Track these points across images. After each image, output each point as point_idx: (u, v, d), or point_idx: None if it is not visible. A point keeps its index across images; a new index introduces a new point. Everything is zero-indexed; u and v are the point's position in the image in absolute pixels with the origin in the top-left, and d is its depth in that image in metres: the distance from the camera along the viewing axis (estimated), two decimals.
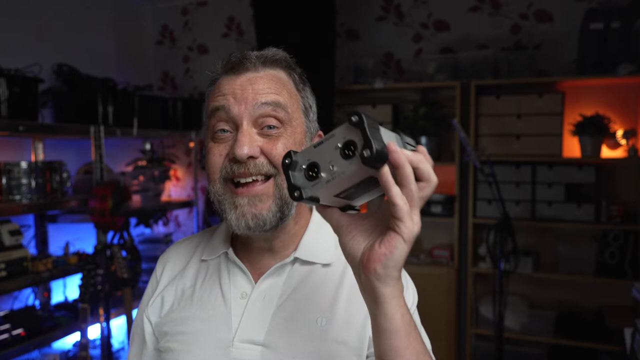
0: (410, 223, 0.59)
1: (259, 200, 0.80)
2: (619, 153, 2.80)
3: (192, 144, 3.50)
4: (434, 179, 0.61)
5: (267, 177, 0.81)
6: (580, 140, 2.76)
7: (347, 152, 0.56)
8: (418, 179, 0.60)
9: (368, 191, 0.62)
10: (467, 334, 2.95)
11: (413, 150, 0.63)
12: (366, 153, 0.53)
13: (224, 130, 0.82)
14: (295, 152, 0.61)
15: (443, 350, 2.91)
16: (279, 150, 0.80)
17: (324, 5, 2.80)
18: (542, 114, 2.81)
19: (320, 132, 0.92)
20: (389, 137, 0.59)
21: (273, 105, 0.81)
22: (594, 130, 2.69)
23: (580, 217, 2.74)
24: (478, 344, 2.97)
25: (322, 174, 0.58)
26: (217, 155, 0.82)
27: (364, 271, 0.63)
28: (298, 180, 0.61)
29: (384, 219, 0.63)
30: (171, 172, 3.45)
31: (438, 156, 3.06)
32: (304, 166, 0.60)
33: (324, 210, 0.66)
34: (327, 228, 0.91)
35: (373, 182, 0.59)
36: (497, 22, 3.03)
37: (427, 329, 0.88)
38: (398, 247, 0.60)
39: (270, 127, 0.81)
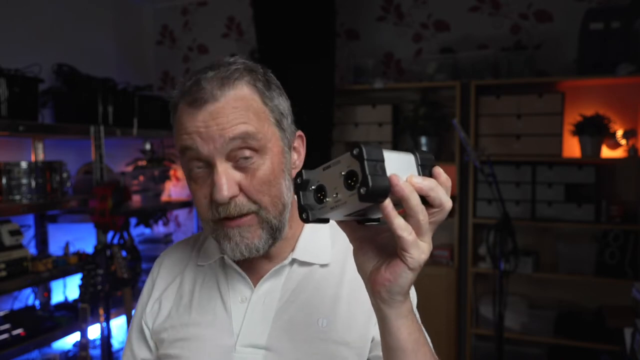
0: (417, 253, 0.57)
1: (248, 231, 0.79)
2: (619, 153, 2.80)
3: None
4: (446, 205, 0.58)
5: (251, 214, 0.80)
6: (580, 140, 2.76)
7: (349, 182, 0.55)
8: (429, 205, 0.58)
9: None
10: (467, 334, 2.95)
11: (430, 173, 0.61)
12: (362, 190, 0.52)
13: (199, 167, 0.79)
14: (305, 172, 0.60)
15: (443, 350, 2.91)
16: (256, 186, 0.78)
17: (324, 5, 2.80)
18: (542, 114, 2.81)
19: (300, 133, 0.89)
20: (397, 163, 0.57)
21: (242, 138, 0.76)
22: (594, 130, 2.69)
23: (580, 217, 2.74)
24: (478, 344, 2.97)
25: (328, 199, 0.58)
26: (202, 198, 0.79)
27: (370, 291, 0.63)
28: (308, 199, 0.60)
29: (394, 239, 0.60)
30: (171, 172, 3.45)
31: (438, 156, 3.06)
32: (313, 187, 0.60)
33: (340, 223, 0.65)
34: (323, 228, 0.91)
35: None
36: (497, 22, 3.03)
37: (427, 329, 0.88)
38: (402, 275, 0.59)
39: (245, 157, 0.77)
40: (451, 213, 2.99)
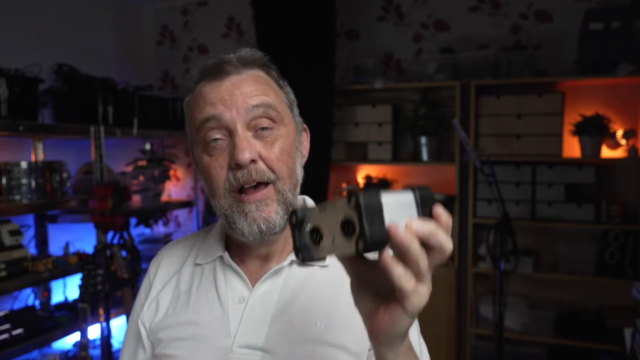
0: (416, 299, 0.55)
1: (265, 205, 0.80)
2: (619, 153, 2.80)
3: None
4: (447, 248, 0.55)
5: (267, 184, 0.81)
6: (580, 140, 2.76)
7: (347, 230, 0.53)
8: (429, 248, 0.55)
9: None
10: (467, 334, 2.95)
11: (429, 211, 0.57)
12: (360, 245, 0.50)
13: (215, 139, 0.80)
14: (300, 210, 0.58)
15: (443, 350, 2.91)
16: (276, 154, 0.81)
17: (324, 5, 2.80)
18: (542, 114, 2.80)
19: (305, 126, 0.92)
20: (396, 207, 0.54)
21: (264, 107, 0.80)
22: (594, 130, 2.69)
23: (580, 217, 2.74)
24: (478, 344, 2.97)
25: (325, 242, 0.56)
26: (219, 168, 0.80)
27: (368, 332, 0.61)
28: (304, 239, 0.58)
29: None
30: (171, 172, 3.45)
31: (438, 156, 3.06)
32: (308, 228, 0.58)
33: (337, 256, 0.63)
34: None
35: None
36: (497, 22, 3.03)
37: (427, 329, 0.88)
38: (402, 319, 0.57)
39: (264, 128, 0.81)
40: (451, 213, 2.97)
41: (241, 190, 0.80)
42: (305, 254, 0.58)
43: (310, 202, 0.96)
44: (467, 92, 2.88)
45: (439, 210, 0.57)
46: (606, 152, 2.80)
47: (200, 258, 0.93)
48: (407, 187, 0.59)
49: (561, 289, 2.93)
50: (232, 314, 0.85)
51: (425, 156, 3.04)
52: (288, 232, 0.87)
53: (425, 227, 0.54)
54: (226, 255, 0.89)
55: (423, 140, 3.03)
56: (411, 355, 0.64)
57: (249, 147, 0.78)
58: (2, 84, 2.11)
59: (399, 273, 0.53)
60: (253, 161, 0.79)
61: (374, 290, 0.60)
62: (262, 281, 0.86)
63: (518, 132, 2.85)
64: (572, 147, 2.85)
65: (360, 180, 3.26)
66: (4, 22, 2.63)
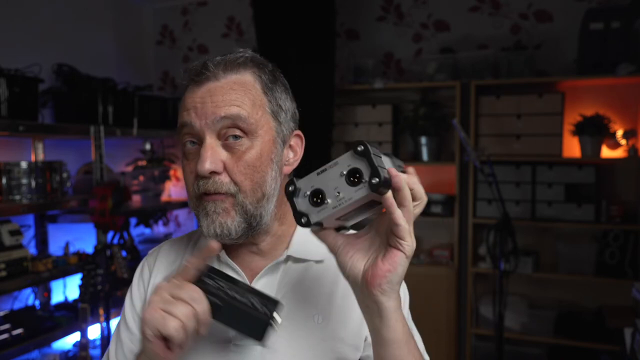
0: (411, 240, 0.65)
1: (223, 209, 0.80)
2: (619, 153, 2.80)
3: None
4: (424, 197, 0.70)
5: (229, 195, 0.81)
6: (580, 140, 2.76)
7: (352, 179, 0.60)
8: (412, 198, 0.66)
9: (363, 212, 0.67)
10: (467, 334, 2.95)
11: (402, 171, 0.69)
12: (374, 181, 0.58)
13: (192, 143, 0.82)
14: (297, 179, 0.64)
15: (443, 350, 2.91)
16: (240, 167, 0.80)
17: (324, 5, 2.80)
18: (542, 114, 2.81)
19: (298, 132, 0.89)
20: (387, 162, 0.65)
21: (232, 119, 0.79)
22: (594, 130, 2.69)
23: (580, 217, 2.74)
24: (478, 344, 2.97)
25: (329, 200, 0.62)
26: (189, 173, 0.82)
27: (368, 287, 0.67)
28: (302, 206, 0.64)
29: (378, 237, 0.68)
30: (171, 172, 3.45)
31: (438, 156, 3.06)
32: (307, 192, 0.64)
33: (319, 232, 0.70)
34: None
35: (371, 204, 0.65)
36: (497, 22, 3.03)
37: (427, 329, 0.89)
38: (401, 263, 0.65)
39: (235, 137, 0.80)
40: (451, 213, 2.97)
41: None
42: (309, 218, 0.64)
43: None
44: (467, 92, 2.88)
45: (411, 169, 0.71)
46: (606, 152, 2.80)
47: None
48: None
49: (561, 289, 2.93)
50: None
51: (425, 156, 3.04)
52: (279, 231, 0.89)
53: (409, 177, 0.67)
54: (223, 253, 0.89)
55: (423, 140, 3.03)
56: (403, 316, 0.70)
57: (211, 158, 0.78)
58: (2, 84, 2.11)
59: (399, 213, 0.63)
60: (216, 172, 0.79)
61: (361, 254, 0.69)
62: (259, 277, 0.87)
63: (518, 132, 2.85)
64: (572, 147, 2.85)
65: None
66: (4, 22, 2.63)
